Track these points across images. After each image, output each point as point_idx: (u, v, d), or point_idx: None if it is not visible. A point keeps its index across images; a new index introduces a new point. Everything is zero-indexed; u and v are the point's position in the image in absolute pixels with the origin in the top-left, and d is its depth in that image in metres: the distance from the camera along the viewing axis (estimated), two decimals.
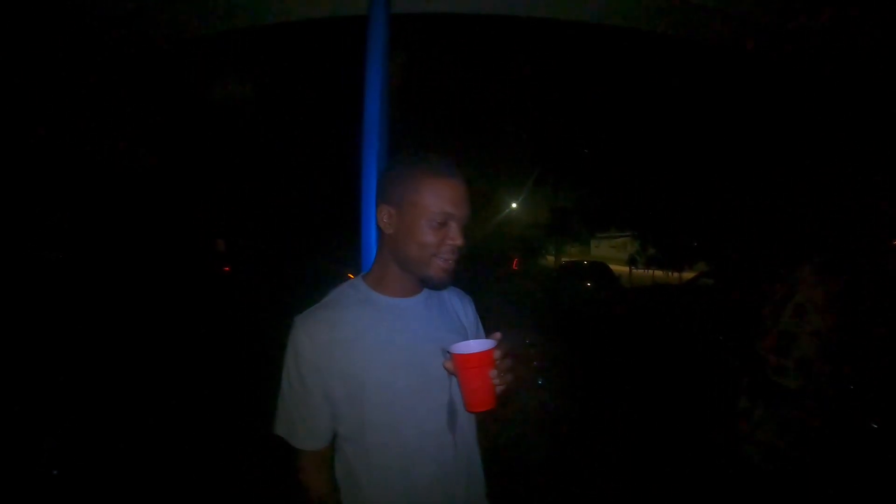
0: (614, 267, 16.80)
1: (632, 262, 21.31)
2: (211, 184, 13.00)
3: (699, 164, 12.90)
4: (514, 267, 15.59)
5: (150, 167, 10.98)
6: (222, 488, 3.06)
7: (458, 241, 1.03)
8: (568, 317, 10.01)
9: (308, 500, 1.09)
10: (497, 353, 0.96)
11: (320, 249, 11.99)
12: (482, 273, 11.29)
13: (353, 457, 1.04)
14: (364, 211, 1.41)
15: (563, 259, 22.04)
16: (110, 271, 9.74)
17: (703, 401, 4.74)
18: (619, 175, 15.11)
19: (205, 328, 7.35)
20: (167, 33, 2.06)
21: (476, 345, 0.98)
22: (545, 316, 8.92)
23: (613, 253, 31.37)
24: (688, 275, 16.21)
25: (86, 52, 2.00)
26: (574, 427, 4.27)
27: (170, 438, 3.70)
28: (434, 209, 1.00)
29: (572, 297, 12.57)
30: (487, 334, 1.02)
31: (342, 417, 1.03)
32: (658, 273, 21.10)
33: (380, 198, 1.06)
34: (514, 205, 15.41)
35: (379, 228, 1.07)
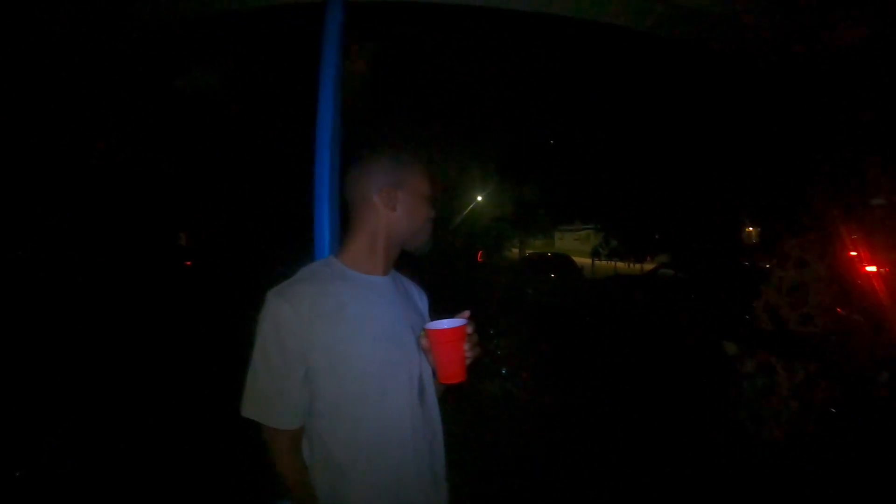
0: (577, 259, 17.15)
1: (595, 254, 21.79)
2: (172, 177, 12.56)
3: (661, 158, 13.23)
4: (479, 259, 15.64)
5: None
6: (211, 487, 3.01)
7: (434, 214, 1.21)
8: (531, 308, 10.15)
9: (285, 488, 1.05)
10: (469, 329, 1.07)
11: (281, 242, 11.81)
12: (446, 265, 11.30)
13: (329, 434, 1.03)
14: (317, 200, 1.41)
15: (528, 251, 22.30)
16: (67, 267, 9.37)
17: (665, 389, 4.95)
18: (582, 168, 15.37)
19: (164, 323, 7.13)
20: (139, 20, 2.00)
21: (448, 323, 1.08)
22: (509, 307, 9.02)
23: (577, 245, 31.96)
24: (648, 266, 16.70)
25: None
26: (539, 416, 4.36)
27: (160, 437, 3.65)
28: (429, 190, 1.19)
29: (536, 288, 12.77)
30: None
31: (321, 391, 1.02)
32: (620, 265, 21.65)
33: (379, 180, 1.13)
34: (479, 198, 15.43)
35: (363, 210, 1.14)
